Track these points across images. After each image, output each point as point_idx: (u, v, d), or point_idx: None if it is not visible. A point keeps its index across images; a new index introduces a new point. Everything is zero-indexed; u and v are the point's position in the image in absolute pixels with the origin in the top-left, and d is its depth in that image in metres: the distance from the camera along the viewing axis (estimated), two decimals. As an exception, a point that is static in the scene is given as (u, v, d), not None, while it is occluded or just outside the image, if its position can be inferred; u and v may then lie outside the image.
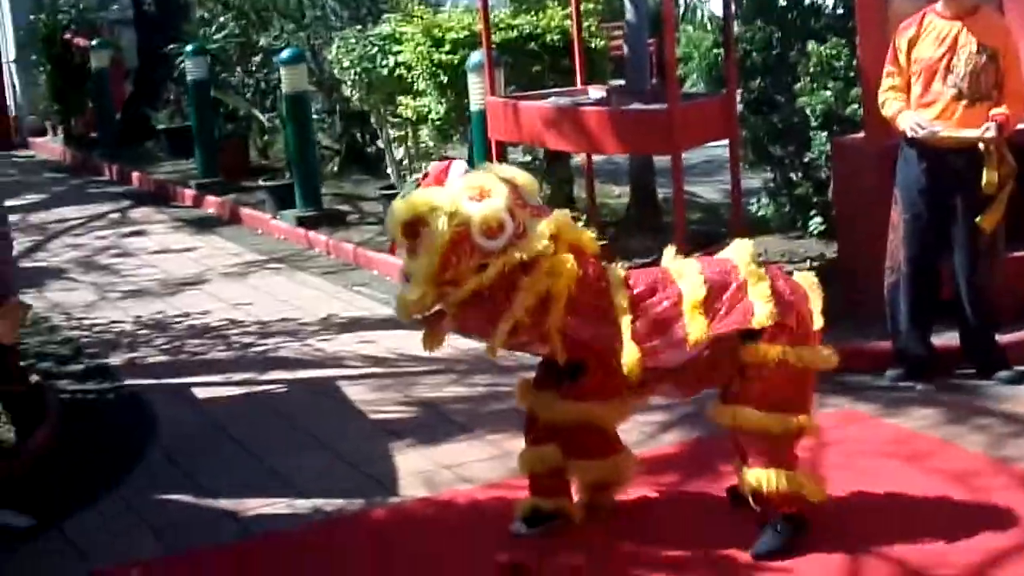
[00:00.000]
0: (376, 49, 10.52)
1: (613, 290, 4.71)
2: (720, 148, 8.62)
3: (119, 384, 7.22)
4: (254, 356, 7.65)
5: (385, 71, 10.43)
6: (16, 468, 5.72)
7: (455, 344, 5.99)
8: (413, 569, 4.76)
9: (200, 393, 7.00)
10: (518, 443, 5.04)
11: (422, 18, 10.46)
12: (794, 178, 8.92)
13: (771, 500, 4.68)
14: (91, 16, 16.90)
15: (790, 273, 5.01)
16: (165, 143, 15.13)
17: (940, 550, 4.58)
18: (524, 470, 4.99)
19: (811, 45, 8.56)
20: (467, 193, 4.61)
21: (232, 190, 12.54)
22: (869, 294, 6.86)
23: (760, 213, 9.21)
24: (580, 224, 4.96)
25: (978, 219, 6.18)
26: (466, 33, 9.81)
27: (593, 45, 9.77)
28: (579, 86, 8.79)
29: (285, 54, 11.01)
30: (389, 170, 11.31)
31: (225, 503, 5.49)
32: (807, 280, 4.89)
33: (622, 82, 9.33)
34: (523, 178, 4.81)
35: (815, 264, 8.07)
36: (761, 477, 4.65)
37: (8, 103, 18.12)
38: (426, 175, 4.78)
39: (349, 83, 10.95)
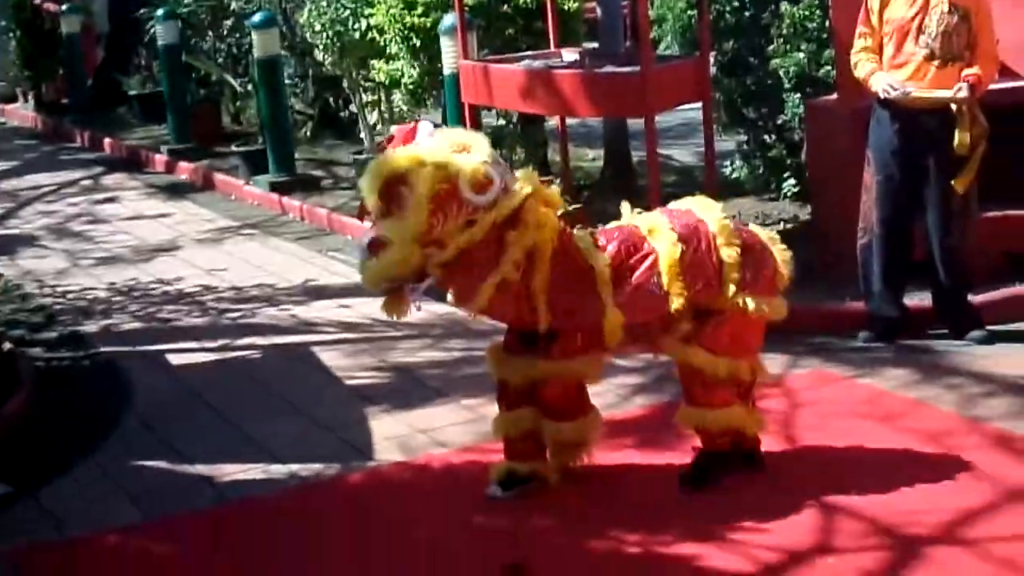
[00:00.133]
0: (348, 12, 10.45)
1: (588, 255, 4.72)
2: (694, 111, 8.61)
3: (93, 351, 7.20)
4: (229, 322, 7.64)
5: (357, 35, 10.37)
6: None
7: (430, 309, 5.99)
8: (390, 533, 4.78)
9: (175, 360, 6.99)
10: (492, 407, 5.06)
11: (394, -19, 10.40)
12: (767, 140, 8.93)
13: (711, 436, 4.88)
14: (61, -20, 16.77)
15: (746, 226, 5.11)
16: (137, 109, 15.05)
17: (912, 509, 4.61)
18: (498, 434, 5.00)
19: (784, 7, 8.55)
20: (450, 148, 4.55)
21: (205, 156, 12.48)
22: (842, 256, 6.89)
23: (734, 175, 9.22)
24: (552, 187, 4.96)
25: (953, 182, 6.20)
26: (438, -4, 9.76)
27: (566, 7, 9.72)
28: (552, 49, 8.75)
29: (257, 18, 10.93)
30: (362, 135, 11.27)
31: (201, 469, 5.49)
32: (765, 233, 5.00)
33: (595, 45, 9.29)
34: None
35: (788, 226, 8.09)
36: (703, 417, 4.84)
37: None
38: (391, 138, 4.71)
39: (321, 47, 10.88)
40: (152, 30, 13.19)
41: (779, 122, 8.70)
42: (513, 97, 8.24)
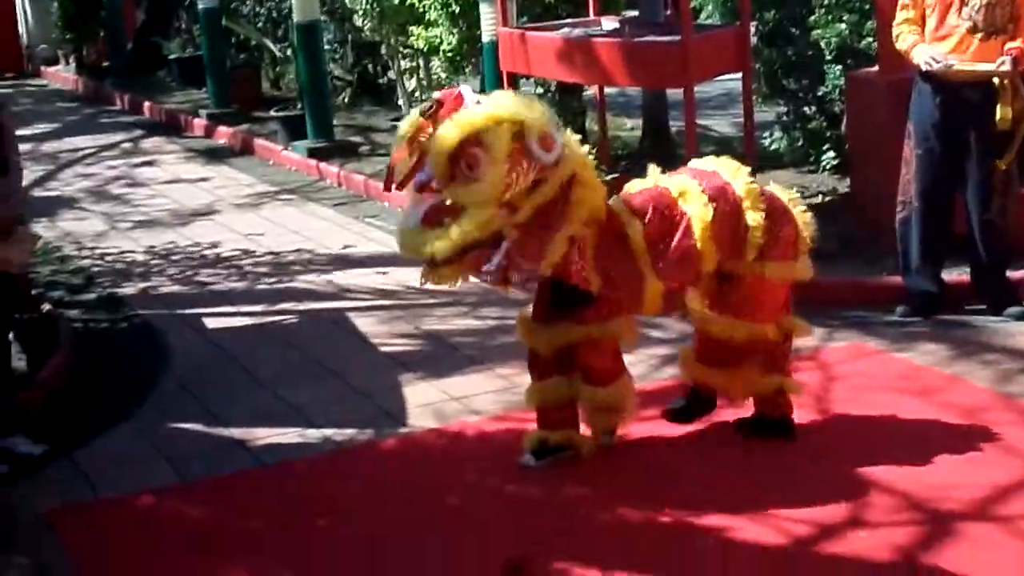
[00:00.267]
0: (388, -23, 10.44)
1: (626, 222, 4.70)
2: (734, 81, 8.57)
3: (131, 314, 7.24)
4: (265, 287, 7.67)
5: (397, 0, 10.35)
6: (30, 397, 5.76)
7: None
8: (422, 499, 4.79)
9: (212, 323, 7.03)
10: (526, 377, 5.06)
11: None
12: (808, 112, 8.86)
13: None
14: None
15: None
16: (177, 72, 15.08)
17: (945, 484, 4.60)
18: (531, 404, 5.00)
19: (826, -24, 8.49)
20: (513, 108, 4.44)
21: (244, 120, 12.51)
22: (881, 229, 6.85)
23: (773, 147, 9.17)
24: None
25: (997, 161, 6.15)
26: (479, -38, 9.73)
27: (607, -25, 9.68)
28: (592, 17, 8.72)
29: (297, -18, 10.93)
30: (400, 101, 11.27)
31: (236, 432, 5.53)
32: (787, 195, 4.98)
33: (636, 13, 9.25)
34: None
35: (827, 199, 8.05)
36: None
37: (20, 32, 18.05)
38: (440, 103, 4.51)
39: (361, 12, 10.88)
40: (192, -6, 13.23)
41: (819, 94, 8.63)
42: (552, 65, 8.22)
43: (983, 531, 4.31)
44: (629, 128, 10.69)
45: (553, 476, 4.86)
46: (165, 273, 8.05)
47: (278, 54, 13.07)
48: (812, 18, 8.55)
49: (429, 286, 4.73)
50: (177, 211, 9.67)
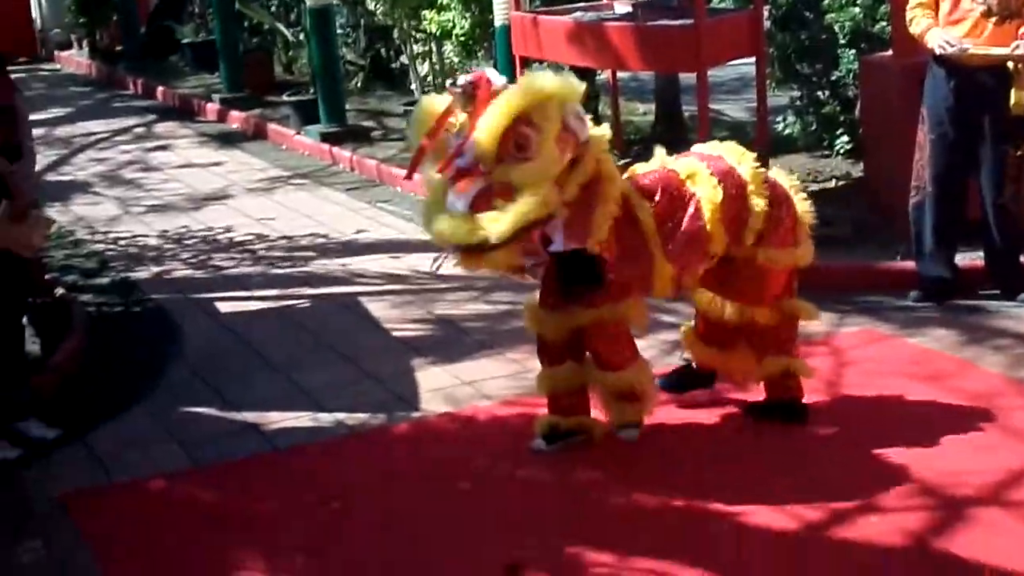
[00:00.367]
0: (400, -39, 10.43)
1: (636, 205, 4.70)
2: (748, 65, 8.54)
3: (144, 298, 7.26)
4: (278, 271, 7.68)
5: (409, -15, 10.35)
6: (43, 381, 5.78)
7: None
8: (434, 483, 4.81)
9: (224, 308, 7.05)
10: (538, 362, 5.06)
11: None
12: (821, 96, 8.84)
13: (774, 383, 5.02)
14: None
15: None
16: (190, 57, 15.10)
17: (956, 469, 4.60)
18: (542, 391, 5.00)
19: (840, -40, 8.46)
20: (546, 86, 4.40)
21: (256, 105, 12.52)
22: (895, 214, 6.84)
23: (786, 131, 9.15)
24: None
25: (1019, 152, 6.13)
26: (491, -54, 9.71)
27: (620, -41, 9.65)
28: (605, 0, 8.70)
29: (309, -34, 10.93)
30: (413, 86, 11.26)
31: (248, 416, 5.55)
32: (787, 181, 4.98)
33: (649, -3, 9.23)
34: None
35: (841, 183, 8.03)
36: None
37: (34, 16, 18.07)
38: (476, 84, 4.42)
39: (373, -3, 10.87)
40: (206, -23, 13.24)
41: (833, 78, 8.61)
42: (564, 50, 8.20)
43: (995, 516, 4.30)
44: (641, 113, 10.67)
45: (564, 460, 4.86)
46: (178, 257, 8.07)
47: (291, 38, 13.06)
48: (826, 2, 8.53)
49: (442, 271, 4.73)
50: (190, 195, 9.69)
